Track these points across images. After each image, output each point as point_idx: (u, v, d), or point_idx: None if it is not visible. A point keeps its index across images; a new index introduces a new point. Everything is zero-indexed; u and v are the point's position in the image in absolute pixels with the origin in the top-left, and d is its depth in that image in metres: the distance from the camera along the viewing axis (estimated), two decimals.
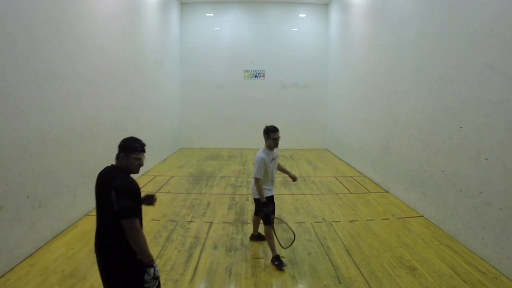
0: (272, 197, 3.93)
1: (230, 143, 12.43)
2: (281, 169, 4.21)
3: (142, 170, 8.77)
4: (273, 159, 3.89)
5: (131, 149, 2.36)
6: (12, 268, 3.51)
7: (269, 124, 3.91)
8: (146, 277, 2.07)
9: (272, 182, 3.94)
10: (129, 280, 2.13)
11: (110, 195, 2.11)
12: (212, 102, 12.45)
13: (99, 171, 2.37)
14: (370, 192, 6.65)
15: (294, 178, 4.13)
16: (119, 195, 2.10)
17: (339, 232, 4.67)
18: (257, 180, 3.71)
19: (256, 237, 4.36)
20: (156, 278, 2.11)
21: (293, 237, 3.74)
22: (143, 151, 2.41)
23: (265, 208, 3.69)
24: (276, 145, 3.85)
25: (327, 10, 12.27)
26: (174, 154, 11.05)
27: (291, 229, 3.93)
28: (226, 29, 12.38)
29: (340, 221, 5.07)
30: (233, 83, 12.45)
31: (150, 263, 2.10)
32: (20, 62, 3.72)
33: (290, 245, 3.81)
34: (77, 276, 3.42)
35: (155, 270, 2.10)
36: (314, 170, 8.79)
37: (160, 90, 9.80)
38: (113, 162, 2.39)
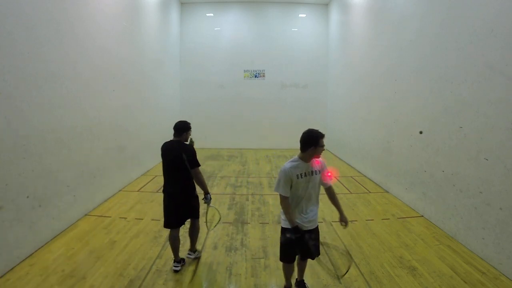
0: (308, 232, 2.93)
1: (230, 143, 12.43)
2: (333, 201, 3.21)
3: (142, 170, 8.78)
4: (310, 174, 2.88)
5: (188, 128, 3.75)
6: (12, 268, 3.51)
7: (311, 130, 2.84)
8: (206, 199, 3.67)
9: (305, 208, 2.94)
10: (195, 201, 3.72)
11: (181, 156, 3.47)
12: (212, 102, 12.44)
13: (164, 144, 3.67)
14: (370, 192, 6.65)
15: (345, 222, 3.07)
16: (189, 155, 3.50)
17: (339, 232, 4.67)
18: (282, 199, 2.82)
19: (299, 284, 3.27)
20: (210, 200, 3.70)
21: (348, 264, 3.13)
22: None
23: (289, 235, 2.83)
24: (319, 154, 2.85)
25: (327, 10, 12.27)
26: None
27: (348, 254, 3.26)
28: (226, 29, 12.38)
29: None
30: (233, 83, 12.45)
31: (207, 191, 3.67)
32: (20, 62, 3.73)
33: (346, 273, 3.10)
34: (77, 276, 3.42)
35: (210, 196, 3.69)
36: None
37: (160, 90, 9.80)
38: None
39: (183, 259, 3.76)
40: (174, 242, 3.61)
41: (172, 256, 3.68)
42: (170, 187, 3.61)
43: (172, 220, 3.58)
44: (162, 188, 3.66)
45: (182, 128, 3.67)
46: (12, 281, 3.31)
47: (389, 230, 4.70)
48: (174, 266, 3.60)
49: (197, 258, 3.89)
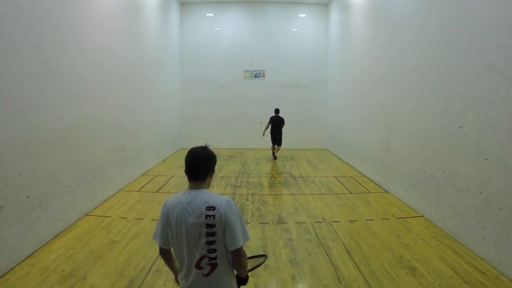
0: None
1: (230, 143, 12.43)
2: None
3: (142, 170, 8.76)
4: None
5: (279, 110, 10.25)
6: (12, 268, 3.51)
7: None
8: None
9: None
10: (281, 136, 10.13)
11: (282, 121, 9.98)
12: (212, 102, 12.44)
13: (273, 117, 10.07)
14: (370, 192, 6.65)
15: None
16: (283, 121, 10.00)
17: (339, 232, 4.67)
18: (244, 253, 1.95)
19: None
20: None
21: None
22: None
23: None
24: None
25: (327, 10, 12.27)
26: (174, 154, 11.05)
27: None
28: (226, 29, 12.38)
29: (340, 221, 5.07)
30: (233, 83, 12.45)
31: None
32: (20, 62, 3.72)
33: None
34: (77, 276, 3.42)
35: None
36: (314, 170, 8.78)
37: (160, 90, 9.80)
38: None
39: (274, 154, 10.08)
40: (274, 148, 10.04)
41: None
42: (275, 133, 9.84)
43: (273, 143, 9.91)
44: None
45: (279, 110, 9.96)
46: (12, 281, 3.31)
47: (389, 230, 4.70)
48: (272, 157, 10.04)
49: (275, 159, 10.10)
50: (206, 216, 1.76)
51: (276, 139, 9.98)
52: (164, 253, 1.95)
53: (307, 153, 11.45)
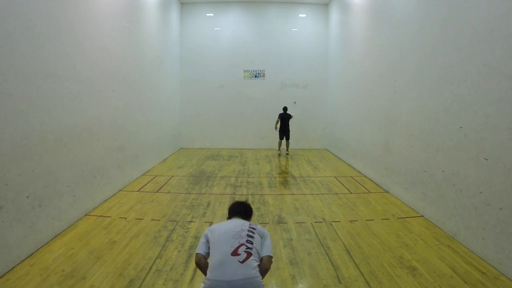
0: None
1: (230, 143, 12.43)
2: None
3: (142, 170, 8.74)
4: None
5: (286, 108, 10.95)
6: (12, 268, 3.51)
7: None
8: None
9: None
10: (289, 129, 10.96)
11: (289, 117, 10.71)
12: (212, 102, 12.44)
13: (281, 113, 10.80)
14: (370, 192, 6.65)
15: None
16: (290, 117, 10.77)
17: (339, 232, 4.67)
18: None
19: None
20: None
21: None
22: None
23: None
24: None
25: (327, 10, 12.27)
26: (174, 154, 11.05)
27: None
28: (226, 29, 12.38)
29: (340, 221, 5.07)
30: (233, 83, 12.45)
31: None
32: (20, 62, 3.72)
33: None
34: (77, 276, 3.42)
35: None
36: (314, 170, 8.78)
37: (160, 90, 9.80)
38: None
39: (280, 150, 10.99)
40: (280, 143, 10.85)
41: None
42: (283, 127, 10.63)
43: (281, 137, 10.68)
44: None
45: (287, 108, 10.88)
46: (12, 281, 3.31)
47: (389, 230, 4.71)
48: (278, 152, 11.09)
49: (288, 154, 10.86)
50: (249, 226, 2.35)
51: (285, 133, 10.95)
52: (202, 260, 2.29)
53: (307, 153, 11.45)
